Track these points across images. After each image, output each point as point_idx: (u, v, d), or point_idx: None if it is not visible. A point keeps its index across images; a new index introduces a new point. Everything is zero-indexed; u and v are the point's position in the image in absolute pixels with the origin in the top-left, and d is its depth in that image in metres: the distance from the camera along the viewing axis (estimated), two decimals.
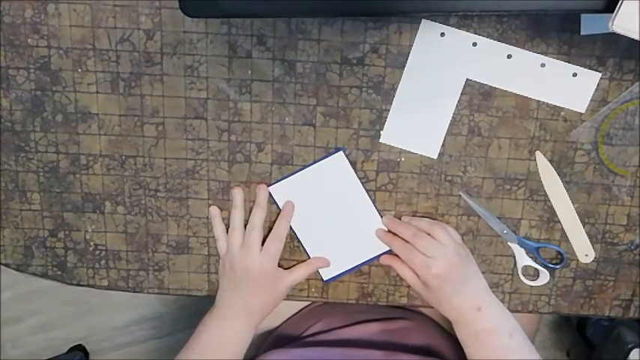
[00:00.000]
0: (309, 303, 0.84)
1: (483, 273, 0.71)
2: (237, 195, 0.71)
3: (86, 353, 1.55)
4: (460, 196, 0.71)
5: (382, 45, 0.66)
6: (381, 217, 0.72)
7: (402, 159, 0.70)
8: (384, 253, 0.73)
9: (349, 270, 0.74)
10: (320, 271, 0.74)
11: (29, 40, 0.66)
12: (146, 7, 0.65)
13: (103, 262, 0.75)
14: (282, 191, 0.72)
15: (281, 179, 0.71)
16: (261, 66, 0.67)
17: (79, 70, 0.67)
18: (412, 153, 0.70)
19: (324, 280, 0.75)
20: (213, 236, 0.73)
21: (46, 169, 0.71)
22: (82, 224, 0.73)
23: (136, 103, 0.68)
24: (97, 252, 0.74)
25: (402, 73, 0.67)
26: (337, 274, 0.75)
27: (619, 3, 0.49)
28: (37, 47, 0.67)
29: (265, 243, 0.71)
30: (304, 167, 0.70)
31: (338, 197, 0.71)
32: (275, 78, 0.67)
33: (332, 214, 0.72)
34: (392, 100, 0.68)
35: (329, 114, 0.69)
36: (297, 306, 0.85)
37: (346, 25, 0.65)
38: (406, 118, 0.68)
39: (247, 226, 0.71)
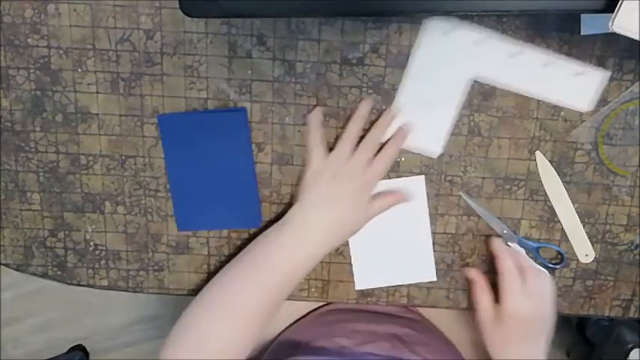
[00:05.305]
0: (308, 312, 0.82)
1: (483, 273, 0.71)
2: (365, 107, 0.67)
3: (86, 353, 1.56)
4: (460, 196, 0.71)
5: (382, 45, 0.66)
6: (434, 244, 0.72)
7: (402, 159, 0.70)
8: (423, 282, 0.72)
9: (384, 287, 0.74)
10: (355, 278, 0.73)
11: (29, 40, 0.66)
12: (146, 7, 0.65)
13: (103, 262, 0.75)
14: None
15: None
16: (261, 66, 0.67)
17: (79, 70, 0.67)
18: (412, 153, 0.70)
19: (357, 287, 0.73)
20: (213, 236, 0.73)
21: (46, 169, 0.71)
22: (82, 224, 0.73)
23: (136, 103, 0.68)
24: (97, 252, 0.74)
25: (402, 73, 0.67)
26: (372, 287, 0.74)
27: (619, 3, 0.49)
28: (37, 47, 0.67)
29: (374, 161, 0.67)
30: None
31: (402, 215, 0.71)
32: (275, 78, 0.67)
33: (391, 229, 0.71)
34: (392, 100, 0.68)
35: (329, 114, 0.69)
36: (296, 312, 0.82)
37: (346, 25, 0.65)
38: (406, 118, 0.68)
39: (362, 141, 0.67)
